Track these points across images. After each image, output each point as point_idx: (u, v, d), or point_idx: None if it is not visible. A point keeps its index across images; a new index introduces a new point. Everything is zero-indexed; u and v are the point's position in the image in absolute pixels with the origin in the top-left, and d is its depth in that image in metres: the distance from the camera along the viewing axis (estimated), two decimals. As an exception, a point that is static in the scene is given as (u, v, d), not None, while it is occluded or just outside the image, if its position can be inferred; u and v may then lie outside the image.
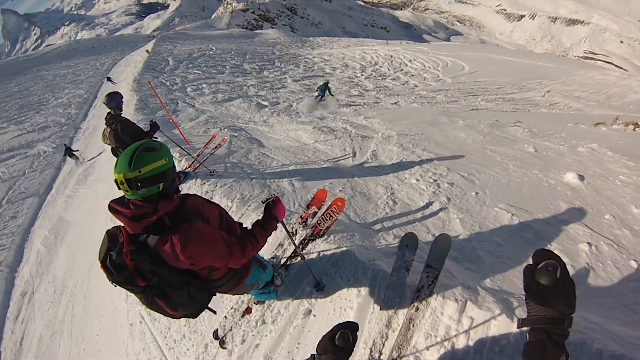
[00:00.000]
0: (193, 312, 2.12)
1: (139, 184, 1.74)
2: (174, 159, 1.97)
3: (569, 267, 3.34)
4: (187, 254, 1.81)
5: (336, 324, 1.40)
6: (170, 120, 8.16)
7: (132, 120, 5.24)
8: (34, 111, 16.01)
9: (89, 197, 7.42)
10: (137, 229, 1.77)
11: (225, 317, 3.30)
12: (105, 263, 1.76)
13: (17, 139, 12.50)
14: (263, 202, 2.39)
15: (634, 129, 11.80)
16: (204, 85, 16.00)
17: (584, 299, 3.12)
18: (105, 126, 4.95)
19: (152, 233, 1.79)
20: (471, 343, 2.41)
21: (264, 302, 3.25)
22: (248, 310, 3.26)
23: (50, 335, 4.73)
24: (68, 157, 10.31)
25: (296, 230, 3.72)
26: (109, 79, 21.32)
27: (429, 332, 2.54)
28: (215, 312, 2.29)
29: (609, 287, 3.33)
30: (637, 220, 4.40)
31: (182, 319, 3.57)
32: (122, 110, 5.17)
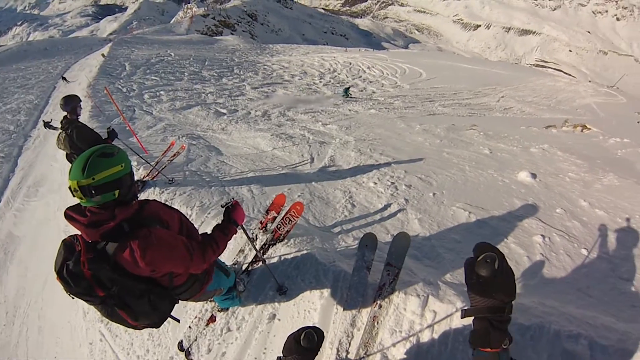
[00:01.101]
0: (156, 322, 2.06)
1: (93, 192, 1.69)
2: (132, 165, 1.93)
3: (524, 259, 3.62)
4: (147, 260, 1.77)
5: (301, 326, 1.42)
6: (128, 128, 7.92)
7: (89, 127, 5.04)
8: (-22, 118, 15.05)
9: (40, 210, 7.03)
10: (95, 236, 1.72)
11: (189, 327, 3.24)
12: (62, 273, 1.70)
13: (-40, 148, 11.72)
14: (223, 207, 2.38)
15: (581, 130, 12.72)
16: (161, 92, 15.59)
17: (540, 287, 3.32)
18: (60, 130, 4.72)
19: (110, 240, 1.75)
20: (436, 335, 2.49)
21: (227, 309, 3.22)
22: (212, 319, 3.22)
23: (4, 362, 4.45)
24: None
25: (256, 235, 3.72)
26: (63, 78, 20.23)
27: (393, 328, 2.60)
28: (178, 321, 2.24)
29: (563, 274, 3.55)
30: (585, 212, 4.76)
31: (145, 331, 3.48)
32: (78, 114, 4.93)
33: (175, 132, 9.42)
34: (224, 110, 12.44)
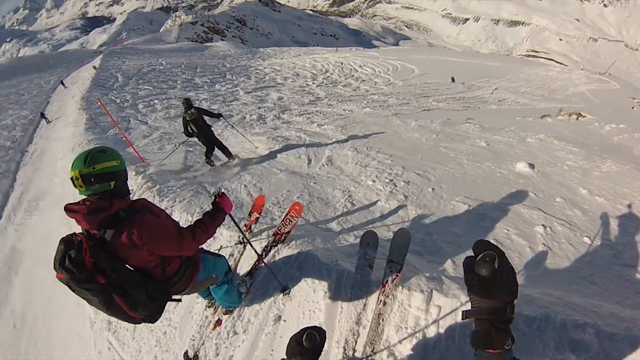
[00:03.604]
0: (153, 313, 2.18)
1: (92, 179, 1.90)
2: (126, 166, 2.15)
3: (527, 250, 3.64)
4: (144, 240, 1.95)
5: (303, 327, 1.43)
6: (124, 139, 7.94)
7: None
8: (-26, 136, 14.96)
9: (42, 225, 7.01)
10: (94, 222, 1.89)
11: (194, 335, 3.27)
12: (64, 264, 1.81)
13: (-42, 166, 11.67)
14: (210, 196, 2.57)
15: (577, 118, 12.84)
16: (155, 101, 15.58)
17: (544, 277, 3.34)
18: (186, 113, 6.80)
19: (107, 228, 1.91)
20: (442, 330, 2.50)
21: (232, 311, 3.26)
22: (218, 322, 3.25)
23: (12, 375, 4.44)
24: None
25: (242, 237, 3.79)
26: (43, 115, 17.38)
27: (399, 324, 2.62)
28: (180, 300, 2.42)
29: (566, 264, 3.56)
30: (585, 200, 4.79)
31: (152, 337, 3.49)
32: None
33: (172, 140, 9.46)
34: (219, 116, 12.47)
